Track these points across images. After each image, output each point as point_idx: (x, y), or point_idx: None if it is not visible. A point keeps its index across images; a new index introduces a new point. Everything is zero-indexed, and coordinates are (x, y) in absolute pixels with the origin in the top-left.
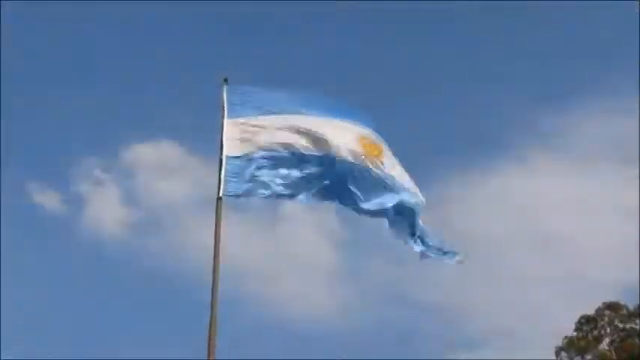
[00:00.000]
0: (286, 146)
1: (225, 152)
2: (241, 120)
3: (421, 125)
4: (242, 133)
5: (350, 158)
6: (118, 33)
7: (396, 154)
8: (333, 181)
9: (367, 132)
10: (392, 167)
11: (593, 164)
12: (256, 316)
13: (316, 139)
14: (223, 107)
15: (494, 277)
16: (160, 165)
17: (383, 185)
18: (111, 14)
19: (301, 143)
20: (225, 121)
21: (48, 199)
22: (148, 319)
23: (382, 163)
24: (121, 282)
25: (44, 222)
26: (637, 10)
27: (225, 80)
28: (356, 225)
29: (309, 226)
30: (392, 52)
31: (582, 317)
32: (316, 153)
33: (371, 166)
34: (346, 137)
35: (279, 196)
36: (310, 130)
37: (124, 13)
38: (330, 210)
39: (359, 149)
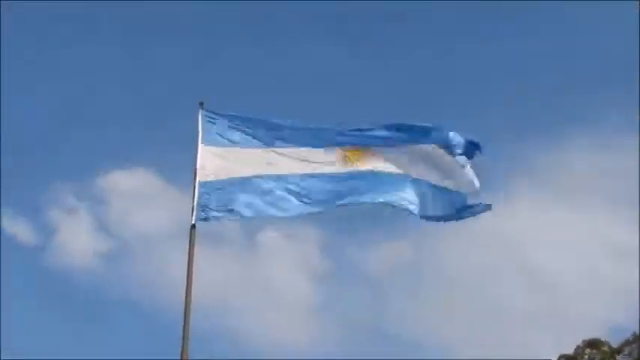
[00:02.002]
0: (260, 173)
1: (198, 178)
2: (216, 148)
3: None
4: (217, 159)
5: (332, 168)
6: (92, 56)
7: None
8: (316, 192)
9: (352, 146)
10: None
11: (581, 200)
12: (230, 350)
13: (293, 164)
14: (198, 132)
15: (475, 313)
16: (136, 193)
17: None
18: (81, 34)
19: (277, 168)
20: (200, 146)
21: (18, 226)
22: (119, 350)
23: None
24: (92, 312)
25: (14, 249)
26: (637, 10)
27: (201, 104)
28: (335, 256)
29: (287, 257)
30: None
31: (562, 356)
32: (294, 172)
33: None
34: (326, 157)
35: (253, 217)
36: (285, 157)
37: (96, 34)
38: (309, 240)
39: (342, 158)
